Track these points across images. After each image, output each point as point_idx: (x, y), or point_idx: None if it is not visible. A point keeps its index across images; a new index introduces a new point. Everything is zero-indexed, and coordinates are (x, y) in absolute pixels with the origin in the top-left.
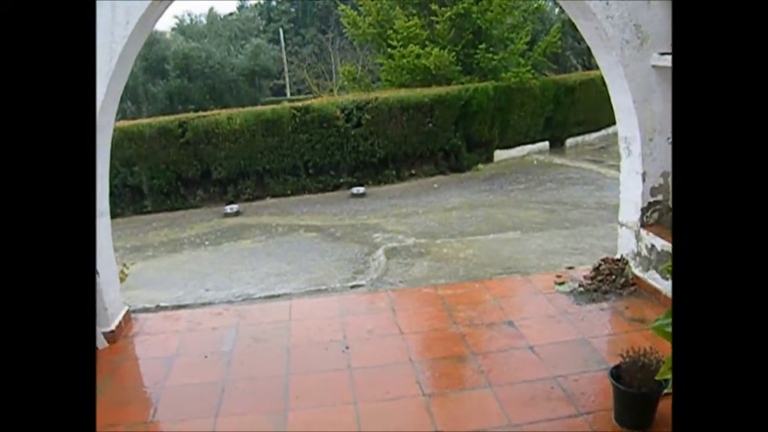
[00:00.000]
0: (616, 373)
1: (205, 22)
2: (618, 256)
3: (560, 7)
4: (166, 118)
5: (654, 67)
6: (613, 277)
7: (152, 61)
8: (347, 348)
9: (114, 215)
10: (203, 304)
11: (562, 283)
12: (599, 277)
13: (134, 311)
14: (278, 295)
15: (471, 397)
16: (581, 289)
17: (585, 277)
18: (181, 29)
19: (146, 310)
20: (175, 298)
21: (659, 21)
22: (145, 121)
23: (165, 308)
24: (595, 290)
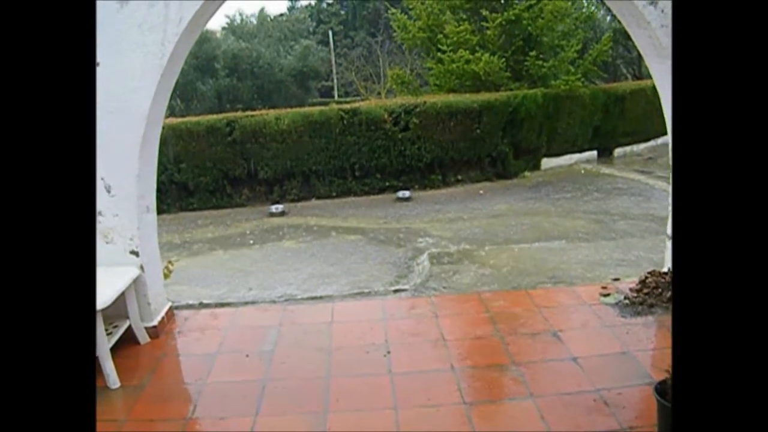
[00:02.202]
0: (661, 389)
1: (255, 22)
2: (665, 270)
3: (612, 15)
4: (215, 116)
5: None
6: (660, 290)
7: (202, 59)
8: (389, 352)
9: (160, 211)
10: (246, 303)
11: (607, 295)
12: (645, 290)
13: (177, 307)
14: (321, 297)
15: (512, 407)
16: (627, 301)
17: (631, 289)
18: (231, 28)
19: (189, 306)
20: (219, 295)
21: None
22: (193, 118)
23: (208, 305)
24: (641, 303)
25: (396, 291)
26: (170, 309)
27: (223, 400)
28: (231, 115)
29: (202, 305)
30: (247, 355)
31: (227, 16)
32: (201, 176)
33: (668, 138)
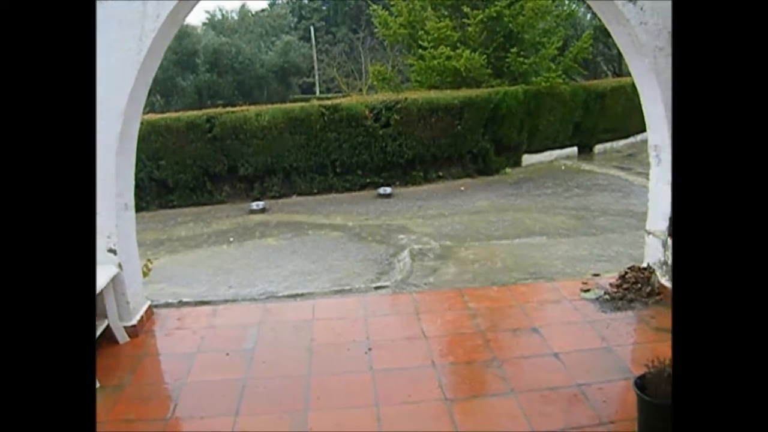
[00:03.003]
0: (641, 384)
1: (236, 17)
2: (644, 265)
3: (593, 13)
4: (194, 112)
5: None
6: (639, 285)
7: (182, 54)
8: (370, 349)
9: (139, 209)
10: (226, 301)
11: (587, 290)
12: (625, 285)
13: (157, 306)
14: (302, 294)
15: (493, 403)
16: (607, 296)
17: (611, 284)
18: (212, 24)
19: (169, 305)
20: (199, 293)
21: None
22: (173, 114)
23: (188, 304)
24: (620, 298)
25: (377, 288)
26: (149, 308)
27: (204, 400)
28: (211, 111)
29: (182, 304)
30: (228, 354)
31: (208, 12)
32: (181, 173)
33: (647, 135)
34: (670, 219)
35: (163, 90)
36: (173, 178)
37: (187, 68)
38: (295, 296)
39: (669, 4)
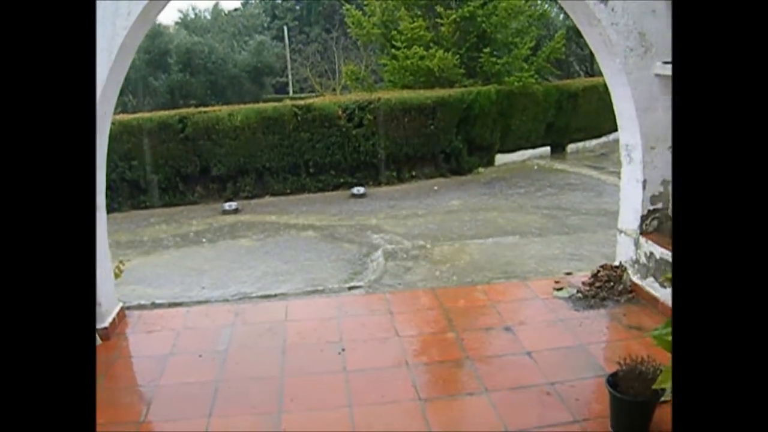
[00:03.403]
0: (613, 381)
1: (209, 17)
2: (617, 263)
3: (565, 14)
4: (166, 112)
5: (657, 75)
6: (612, 283)
7: (154, 54)
8: (343, 350)
9: (111, 210)
10: (199, 303)
11: (560, 289)
12: (597, 284)
13: (129, 308)
14: (275, 295)
15: (467, 403)
16: (579, 295)
17: (583, 283)
18: (185, 23)
19: (141, 307)
20: (171, 295)
21: (664, 30)
22: (145, 115)
23: (160, 305)
24: (593, 297)
25: (350, 288)
26: (122, 310)
27: (177, 402)
28: (183, 111)
29: (155, 305)
30: (201, 356)
31: (180, 11)
32: (153, 174)
33: (619, 134)
34: (642, 217)
35: (135, 90)
36: (145, 178)
37: (159, 68)
38: (268, 297)
39: (639, 5)
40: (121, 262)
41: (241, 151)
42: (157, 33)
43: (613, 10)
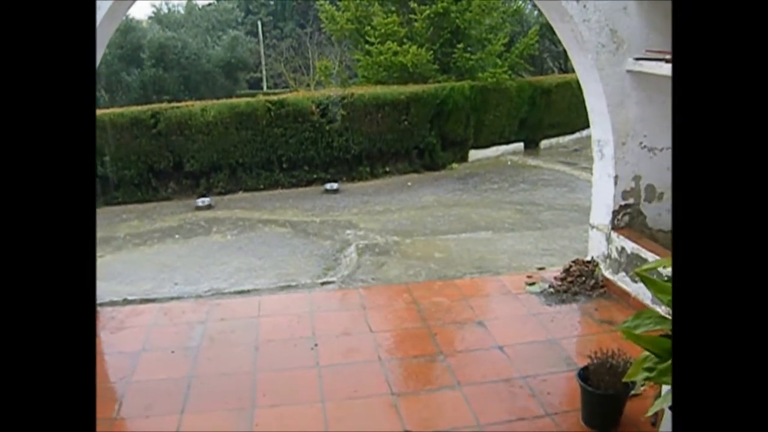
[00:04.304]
0: (584, 375)
1: (182, 11)
2: (588, 258)
3: (539, 10)
4: (139, 107)
5: (629, 72)
6: (583, 278)
7: (127, 49)
8: (316, 345)
9: None
10: (172, 299)
11: (532, 284)
12: (569, 279)
13: (101, 304)
14: (248, 291)
15: (439, 397)
16: (551, 289)
17: (555, 278)
18: (158, 18)
19: (113, 303)
20: (144, 291)
21: (635, 27)
22: (117, 110)
23: (132, 302)
24: (565, 291)
25: (324, 283)
26: None
27: (149, 399)
28: (156, 106)
29: (127, 302)
30: (173, 352)
31: (154, 6)
32: (125, 169)
33: (591, 130)
34: (614, 213)
35: (107, 85)
36: (117, 174)
37: (132, 63)
38: (241, 293)
39: (611, 3)
40: None
41: (214, 146)
42: (129, 28)
43: (585, 6)
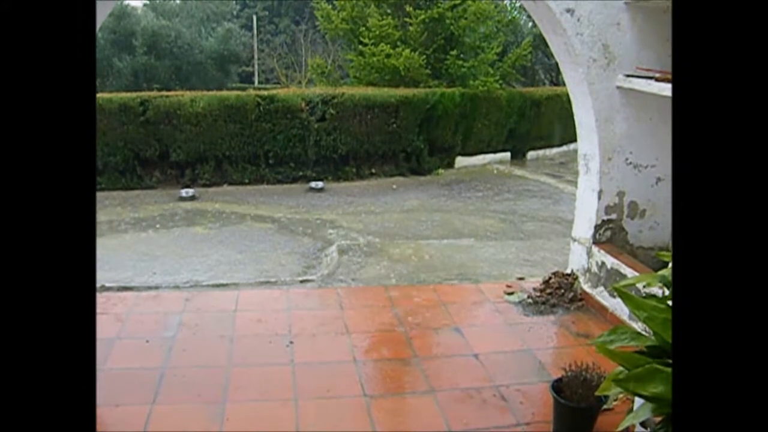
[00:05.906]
0: (558, 386)
1: (178, 1)
2: (568, 271)
3: (533, 22)
4: (128, 94)
5: (618, 88)
6: (562, 291)
7: (120, 35)
8: (291, 343)
9: None
10: (149, 288)
11: (511, 293)
12: (548, 290)
13: None
14: (226, 284)
15: (412, 401)
16: (530, 300)
17: (535, 288)
18: (153, 5)
19: None
20: (122, 279)
21: (627, 43)
22: (105, 95)
23: (110, 289)
24: (543, 303)
25: (303, 281)
26: None
27: (120, 387)
28: (145, 94)
29: (104, 289)
30: (148, 341)
31: None
32: (110, 155)
33: (578, 144)
34: (596, 227)
35: (99, 70)
36: (103, 160)
37: (124, 49)
38: (219, 286)
39: (604, 17)
40: None
41: (201, 137)
42: (124, 14)
43: (578, 20)
